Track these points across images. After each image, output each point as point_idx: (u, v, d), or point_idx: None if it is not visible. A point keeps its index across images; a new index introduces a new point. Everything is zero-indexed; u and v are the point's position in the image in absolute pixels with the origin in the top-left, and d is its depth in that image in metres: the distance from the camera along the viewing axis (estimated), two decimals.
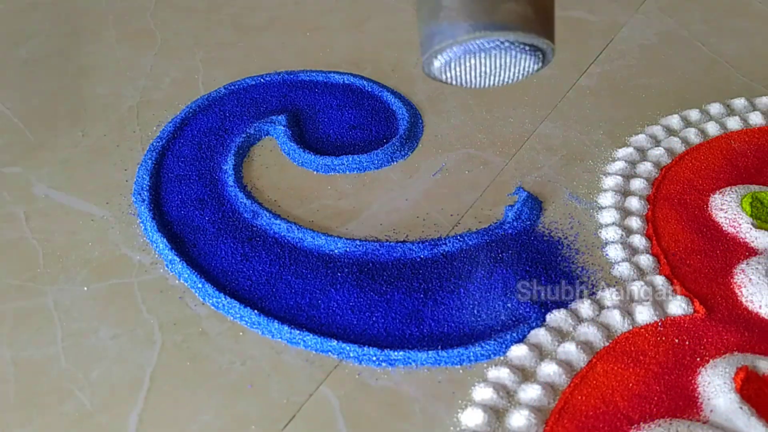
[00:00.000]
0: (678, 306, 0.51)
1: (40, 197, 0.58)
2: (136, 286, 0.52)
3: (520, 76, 0.41)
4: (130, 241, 0.55)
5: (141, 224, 0.56)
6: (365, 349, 0.48)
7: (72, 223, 0.56)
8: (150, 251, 0.54)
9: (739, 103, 0.68)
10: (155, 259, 0.54)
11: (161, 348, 0.48)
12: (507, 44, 0.37)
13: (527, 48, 0.38)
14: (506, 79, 0.41)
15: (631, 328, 0.50)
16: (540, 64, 0.40)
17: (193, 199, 0.58)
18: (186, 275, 0.52)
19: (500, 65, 0.39)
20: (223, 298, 0.51)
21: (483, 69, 0.39)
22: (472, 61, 0.39)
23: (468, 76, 0.40)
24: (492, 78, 0.41)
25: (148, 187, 0.58)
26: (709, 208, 0.58)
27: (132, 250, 0.54)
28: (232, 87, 0.68)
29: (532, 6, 0.37)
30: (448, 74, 0.40)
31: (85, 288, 0.52)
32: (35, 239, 0.55)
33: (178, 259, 0.53)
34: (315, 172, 0.61)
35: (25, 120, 0.65)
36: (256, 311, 0.50)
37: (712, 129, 0.65)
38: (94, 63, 0.72)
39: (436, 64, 0.39)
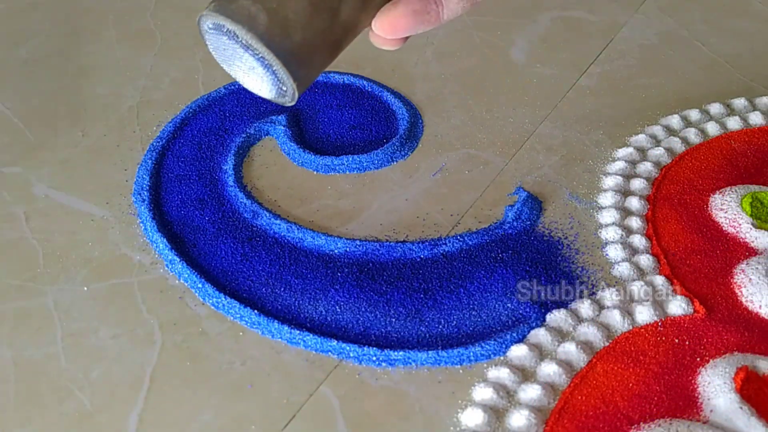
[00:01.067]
0: (678, 306, 0.51)
1: (40, 197, 0.58)
2: (136, 286, 0.52)
3: (267, 92, 0.40)
4: (130, 241, 0.55)
5: (141, 224, 0.56)
6: (365, 349, 0.48)
7: (72, 223, 0.56)
8: (150, 251, 0.54)
9: (739, 103, 0.68)
10: (155, 259, 0.54)
11: (161, 348, 0.48)
12: (232, 34, 0.37)
13: (251, 51, 0.38)
14: (258, 87, 0.40)
15: (631, 328, 0.50)
16: (278, 85, 0.39)
17: (193, 199, 0.58)
18: (186, 275, 0.52)
19: (242, 61, 0.39)
20: (223, 298, 0.51)
21: (235, 60, 0.39)
22: (221, 44, 0.39)
23: (231, 64, 0.40)
24: (246, 77, 0.40)
25: (148, 187, 0.58)
26: (709, 208, 0.58)
27: (132, 250, 0.54)
28: (232, 87, 0.68)
29: (267, 14, 0.37)
30: (220, 53, 0.40)
31: (85, 288, 0.52)
32: (35, 239, 0.55)
33: (178, 259, 0.53)
34: (315, 172, 0.61)
35: (25, 120, 0.65)
36: (256, 311, 0.50)
37: (712, 129, 0.65)
38: (94, 63, 0.72)
39: (204, 35, 0.39)
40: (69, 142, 0.63)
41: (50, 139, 0.63)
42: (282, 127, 0.63)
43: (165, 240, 0.54)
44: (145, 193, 0.58)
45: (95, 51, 0.73)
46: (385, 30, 0.40)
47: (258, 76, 0.39)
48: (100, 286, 0.52)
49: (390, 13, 0.39)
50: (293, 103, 0.41)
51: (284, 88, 0.39)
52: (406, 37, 0.41)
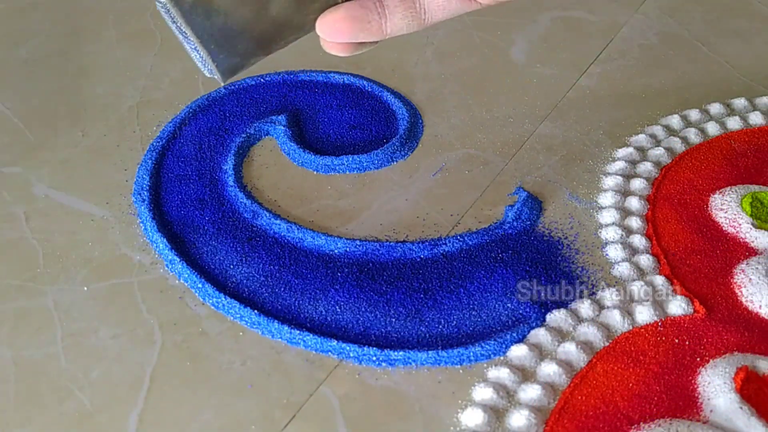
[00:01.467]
0: (678, 306, 0.51)
1: (40, 197, 0.58)
2: (136, 286, 0.52)
3: (202, 69, 0.41)
4: (130, 241, 0.55)
5: (141, 224, 0.56)
6: (365, 349, 0.48)
7: (72, 223, 0.56)
8: (150, 251, 0.54)
9: (739, 103, 0.68)
10: (155, 259, 0.53)
11: (161, 348, 0.48)
12: (166, 7, 0.38)
13: (178, 26, 0.39)
14: (198, 63, 0.41)
15: (631, 328, 0.50)
16: (203, 63, 0.40)
17: (193, 199, 0.58)
18: (186, 275, 0.52)
19: (179, 35, 0.40)
20: (223, 298, 0.50)
21: (176, 34, 0.40)
22: (164, 15, 0.39)
23: (178, 37, 0.41)
24: (187, 50, 0.41)
25: (148, 187, 0.58)
26: (709, 208, 0.58)
27: (132, 250, 0.54)
28: (232, 87, 0.68)
29: None
30: (170, 25, 0.40)
31: (85, 288, 0.51)
32: (35, 239, 0.54)
33: (178, 259, 0.53)
34: (315, 172, 0.61)
35: (25, 120, 0.65)
36: (256, 311, 0.50)
37: (712, 129, 0.65)
38: (94, 63, 0.72)
39: (157, 5, 0.40)
40: (69, 142, 0.63)
41: (50, 139, 0.63)
42: (282, 127, 0.63)
43: (165, 240, 0.54)
44: (145, 193, 0.57)
45: (95, 51, 0.73)
46: (324, 32, 0.40)
47: (190, 51, 0.40)
48: (100, 286, 0.52)
49: (329, 15, 0.40)
50: (223, 85, 0.41)
51: (209, 68, 0.40)
52: (359, 45, 0.42)
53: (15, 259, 0.53)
